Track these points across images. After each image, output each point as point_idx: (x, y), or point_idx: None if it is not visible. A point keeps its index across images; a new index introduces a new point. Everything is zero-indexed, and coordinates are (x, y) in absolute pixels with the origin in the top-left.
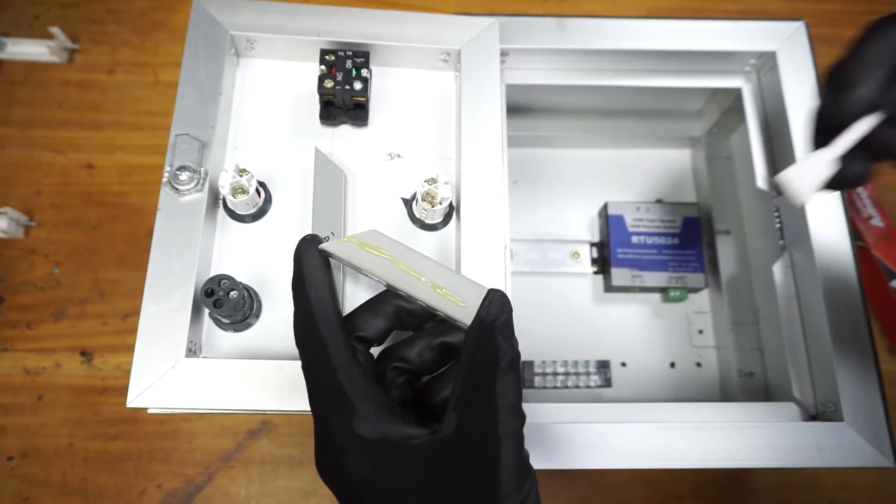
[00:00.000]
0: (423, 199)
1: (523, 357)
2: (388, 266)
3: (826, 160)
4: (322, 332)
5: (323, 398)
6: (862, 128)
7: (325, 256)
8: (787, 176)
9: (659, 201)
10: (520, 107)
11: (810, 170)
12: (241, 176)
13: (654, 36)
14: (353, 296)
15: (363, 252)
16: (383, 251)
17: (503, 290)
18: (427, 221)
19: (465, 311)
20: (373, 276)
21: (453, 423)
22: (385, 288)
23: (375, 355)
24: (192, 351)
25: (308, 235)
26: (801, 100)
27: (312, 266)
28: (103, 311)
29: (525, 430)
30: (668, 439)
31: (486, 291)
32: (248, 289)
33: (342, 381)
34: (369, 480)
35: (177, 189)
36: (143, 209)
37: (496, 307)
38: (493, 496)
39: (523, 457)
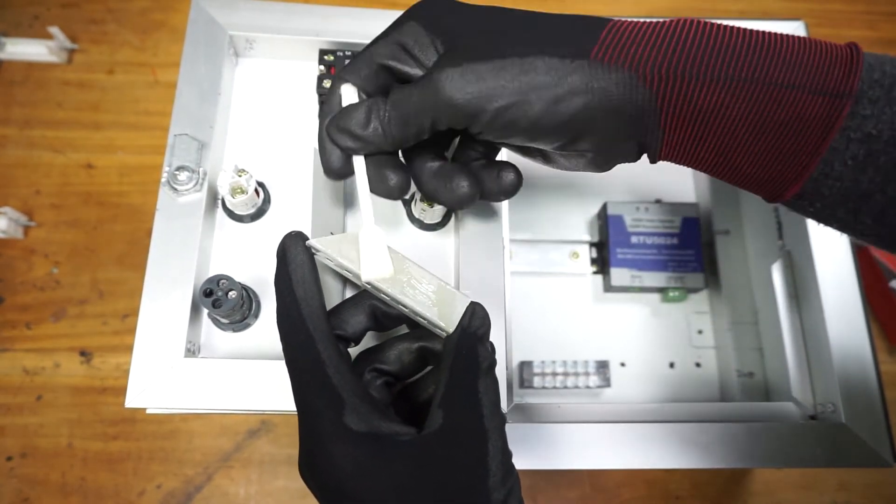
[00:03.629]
0: (422, 199)
1: (523, 357)
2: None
3: (368, 233)
4: (309, 327)
5: (310, 393)
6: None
7: (310, 253)
8: (367, 273)
9: (658, 201)
10: None
11: (368, 254)
12: (239, 176)
13: None
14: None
15: (350, 250)
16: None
17: (504, 293)
18: (426, 221)
19: (447, 318)
20: (352, 272)
21: (439, 419)
22: (363, 288)
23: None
24: (191, 351)
25: (293, 231)
26: None
27: (299, 262)
28: (102, 311)
29: (525, 430)
30: (668, 439)
31: (468, 301)
32: (246, 289)
33: (331, 375)
34: (356, 475)
35: (176, 189)
36: (142, 209)
37: (478, 319)
38: (482, 486)
39: (508, 452)
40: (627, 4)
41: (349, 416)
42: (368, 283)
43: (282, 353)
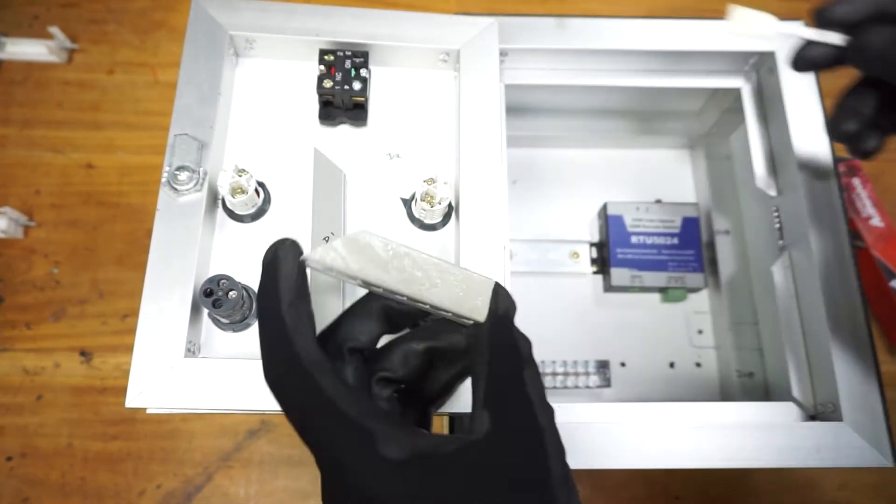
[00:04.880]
0: (423, 199)
1: None
2: (385, 271)
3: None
4: (304, 363)
5: (329, 438)
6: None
7: (303, 267)
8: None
9: (658, 201)
10: (519, 107)
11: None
12: (240, 176)
13: (654, 36)
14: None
15: (355, 258)
16: (378, 253)
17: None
18: (426, 221)
19: (475, 308)
20: (366, 282)
21: (486, 421)
22: (372, 291)
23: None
24: (191, 351)
25: (288, 240)
26: (800, 99)
27: (289, 277)
28: (102, 311)
29: None
30: (668, 439)
31: (493, 284)
32: (246, 289)
33: (346, 411)
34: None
35: (176, 189)
36: (142, 209)
37: (505, 300)
38: (545, 491)
39: (563, 449)
40: (626, 4)
41: (384, 446)
42: (379, 287)
43: None
